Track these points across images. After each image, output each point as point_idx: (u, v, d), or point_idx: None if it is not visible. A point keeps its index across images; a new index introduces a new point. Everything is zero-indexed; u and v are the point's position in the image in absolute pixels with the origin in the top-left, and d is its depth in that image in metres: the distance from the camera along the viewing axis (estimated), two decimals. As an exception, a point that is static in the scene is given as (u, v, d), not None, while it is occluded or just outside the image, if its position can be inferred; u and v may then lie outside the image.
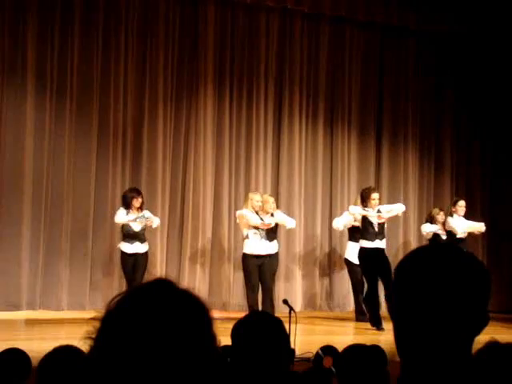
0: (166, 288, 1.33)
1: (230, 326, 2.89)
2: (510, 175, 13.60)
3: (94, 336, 1.30)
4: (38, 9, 11.11)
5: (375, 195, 10.57)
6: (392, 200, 13.12)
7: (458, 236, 11.52)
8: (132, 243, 10.34)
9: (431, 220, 11.75)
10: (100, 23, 11.49)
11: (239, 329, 2.91)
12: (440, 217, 11.70)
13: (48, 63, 11.20)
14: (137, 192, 10.50)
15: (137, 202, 10.35)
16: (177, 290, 1.33)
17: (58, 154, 11.20)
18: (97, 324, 1.30)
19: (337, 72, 12.95)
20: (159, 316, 1.27)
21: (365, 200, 10.52)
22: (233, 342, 2.89)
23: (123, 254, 10.35)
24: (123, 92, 11.63)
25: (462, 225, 11.60)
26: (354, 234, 11.07)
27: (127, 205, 10.35)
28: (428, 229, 11.71)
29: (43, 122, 11.15)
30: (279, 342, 2.86)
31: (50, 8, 11.18)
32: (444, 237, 11.60)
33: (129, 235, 10.34)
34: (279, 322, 2.98)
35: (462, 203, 11.74)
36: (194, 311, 1.32)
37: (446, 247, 1.62)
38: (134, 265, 10.27)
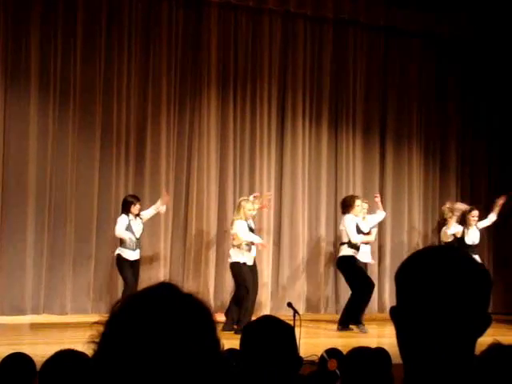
0: (170, 292, 1.33)
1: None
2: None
3: (97, 340, 1.30)
4: (40, 11, 11.13)
5: (359, 202, 10.84)
6: (397, 201, 13.14)
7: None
8: (135, 250, 10.37)
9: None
10: (103, 27, 11.51)
11: (249, 332, 2.90)
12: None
13: (51, 66, 11.22)
14: (136, 199, 10.50)
15: (135, 209, 10.36)
16: (180, 293, 1.33)
17: (61, 158, 11.21)
18: (100, 328, 1.30)
19: (340, 74, 12.95)
20: (162, 320, 1.27)
21: (347, 208, 10.68)
22: (242, 345, 2.87)
23: (127, 260, 10.30)
24: (126, 95, 11.65)
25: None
26: None
27: (127, 209, 10.35)
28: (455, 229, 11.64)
29: (46, 126, 11.16)
30: (288, 348, 2.84)
31: (53, 11, 11.20)
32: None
33: (132, 242, 10.34)
34: (290, 328, 2.96)
35: (475, 213, 11.77)
36: (198, 315, 1.31)
37: (445, 249, 1.62)
38: (133, 272, 10.29)
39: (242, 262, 10.13)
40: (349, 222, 10.67)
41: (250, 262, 10.21)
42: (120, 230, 10.28)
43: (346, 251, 10.66)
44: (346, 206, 10.82)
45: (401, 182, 13.29)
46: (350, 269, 10.64)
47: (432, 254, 1.59)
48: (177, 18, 11.97)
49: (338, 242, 12.62)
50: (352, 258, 10.64)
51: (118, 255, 10.30)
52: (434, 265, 1.54)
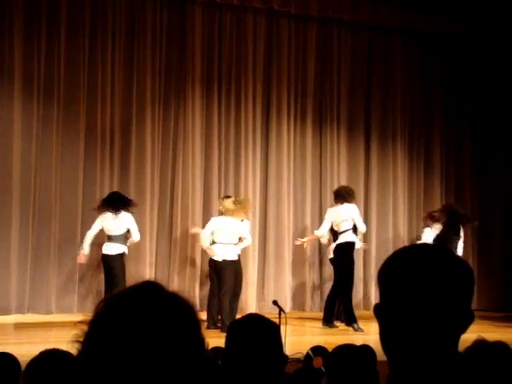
0: (154, 291, 1.33)
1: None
2: (500, 174, 13.67)
3: (81, 339, 1.30)
4: (23, 10, 11.07)
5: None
6: (382, 199, 13.16)
7: None
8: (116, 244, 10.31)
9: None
10: (87, 25, 11.46)
11: (235, 330, 2.91)
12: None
13: (35, 66, 11.17)
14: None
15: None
16: (164, 292, 1.34)
17: (45, 158, 11.17)
18: (84, 327, 1.30)
19: (325, 72, 12.96)
20: (146, 319, 1.27)
21: (351, 197, 10.67)
22: (227, 343, 2.88)
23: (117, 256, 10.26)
24: (111, 94, 11.61)
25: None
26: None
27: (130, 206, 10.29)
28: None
29: (31, 126, 11.11)
30: (273, 346, 2.84)
31: (36, 11, 11.15)
32: None
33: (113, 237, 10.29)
34: (275, 326, 2.96)
35: None
36: (182, 314, 1.32)
37: (428, 247, 1.63)
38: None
39: (216, 259, 10.08)
40: (358, 211, 10.66)
41: (218, 258, 10.09)
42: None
43: (350, 237, 10.55)
44: (350, 194, 10.71)
45: (385, 179, 13.31)
46: (348, 256, 10.51)
47: (415, 251, 1.60)
48: (161, 16, 11.94)
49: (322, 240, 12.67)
50: (353, 245, 10.56)
51: (124, 253, 10.24)
52: (417, 262, 1.54)
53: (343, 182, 12.88)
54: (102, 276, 11.14)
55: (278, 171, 12.53)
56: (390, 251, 1.70)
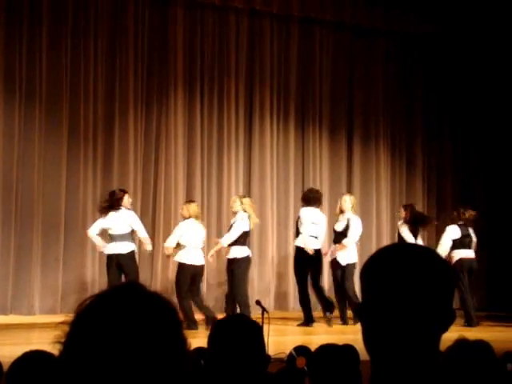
0: (135, 291, 1.33)
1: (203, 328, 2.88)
2: (481, 174, 13.73)
3: (63, 340, 1.30)
4: (4, 10, 11.02)
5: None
6: (364, 199, 13.17)
7: None
8: (110, 244, 10.08)
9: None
10: (69, 25, 11.43)
11: (217, 330, 2.91)
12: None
13: (16, 66, 11.12)
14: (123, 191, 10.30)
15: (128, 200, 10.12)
16: (146, 293, 1.33)
17: (27, 158, 11.13)
18: (66, 328, 1.30)
19: (307, 72, 12.99)
20: (128, 319, 1.27)
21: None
22: (209, 343, 2.88)
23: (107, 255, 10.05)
24: (93, 95, 11.58)
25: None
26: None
27: (118, 204, 10.09)
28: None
29: (12, 126, 11.07)
30: (255, 346, 2.85)
31: (18, 11, 11.10)
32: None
33: (110, 236, 10.07)
34: (257, 326, 2.97)
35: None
36: (163, 314, 1.31)
37: (409, 246, 1.64)
38: (118, 267, 9.94)
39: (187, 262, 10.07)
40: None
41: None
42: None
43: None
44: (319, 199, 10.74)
45: (368, 180, 13.33)
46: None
47: (396, 250, 1.61)
48: (143, 17, 11.93)
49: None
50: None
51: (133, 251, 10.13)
52: (399, 261, 1.55)
53: (325, 184, 12.92)
54: (85, 276, 11.15)
55: (260, 172, 12.54)
56: (373, 251, 1.70)
